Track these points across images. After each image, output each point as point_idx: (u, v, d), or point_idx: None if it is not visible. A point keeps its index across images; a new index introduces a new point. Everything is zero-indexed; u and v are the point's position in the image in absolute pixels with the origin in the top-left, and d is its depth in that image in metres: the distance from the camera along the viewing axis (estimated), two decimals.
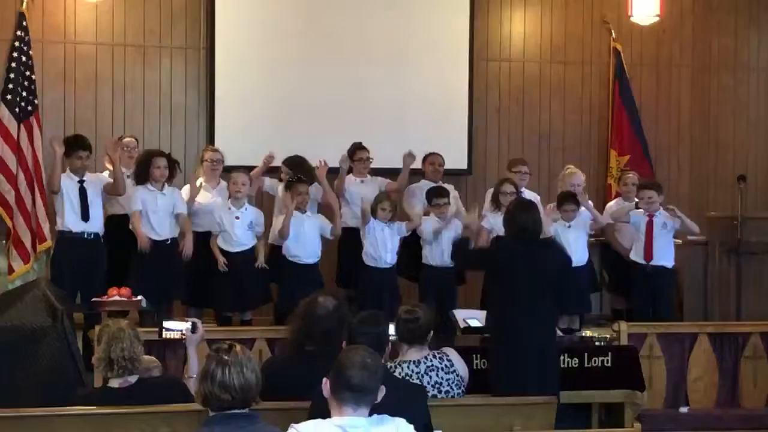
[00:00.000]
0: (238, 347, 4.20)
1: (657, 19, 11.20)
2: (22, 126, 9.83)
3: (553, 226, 8.94)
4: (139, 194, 8.66)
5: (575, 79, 11.69)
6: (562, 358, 7.19)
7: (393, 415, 4.00)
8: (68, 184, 8.66)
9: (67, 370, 6.60)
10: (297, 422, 3.96)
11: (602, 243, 9.95)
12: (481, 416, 5.55)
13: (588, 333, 7.93)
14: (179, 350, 6.87)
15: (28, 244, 9.65)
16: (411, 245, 9.23)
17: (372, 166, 9.62)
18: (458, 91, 11.22)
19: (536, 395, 5.80)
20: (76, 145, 8.76)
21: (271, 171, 9.60)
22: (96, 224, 8.69)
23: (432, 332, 5.72)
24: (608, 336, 7.76)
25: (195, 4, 10.69)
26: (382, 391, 4.02)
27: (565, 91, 11.66)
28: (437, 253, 8.95)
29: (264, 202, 9.69)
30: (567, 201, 9.04)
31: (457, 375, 5.66)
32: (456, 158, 10.44)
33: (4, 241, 9.78)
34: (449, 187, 9.68)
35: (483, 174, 11.13)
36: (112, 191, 8.84)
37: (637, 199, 9.39)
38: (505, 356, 6.57)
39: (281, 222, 8.69)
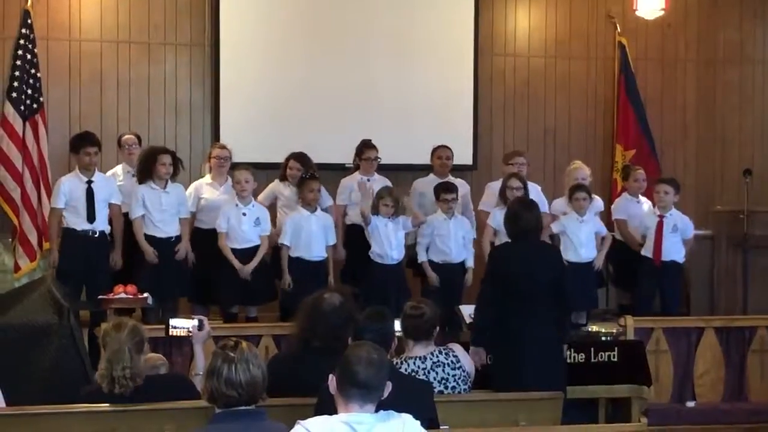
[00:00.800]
0: (244, 344, 4.21)
1: (662, 13, 11.17)
2: (27, 123, 9.86)
3: (565, 221, 8.92)
4: (141, 197, 8.63)
5: (580, 73, 11.67)
6: (568, 353, 7.16)
7: (399, 410, 4.00)
8: (75, 185, 8.64)
9: (73, 367, 6.61)
10: (303, 419, 3.95)
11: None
12: (487, 411, 5.56)
13: (594, 328, 7.93)
14: (185, 347, 6.88)
15: (34, 241, 9.68)
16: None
17: None
18: (463, 86, 11.21)
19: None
20: (84, 140, 8.75)
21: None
22: (101, 223, 8.69)
23: (437, 328, 5.72)
24: (614, 331, 7.76)
25: (199, 1, 10.68)
26: (388, 387, 4.02)
27: (570, 86, 11.65)
28: (443, 249, 8.93)
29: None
30: (578, 189, 9.00)
31: (463, 370, 5.66)
32: (461, 154, 10.41)
33: (10, 239, 9.81)
34: (460, 182, 9.65)
35: (488, 169, 11.11)
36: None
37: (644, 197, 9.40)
38: (507, 358, 6.48)
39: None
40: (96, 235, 8.66)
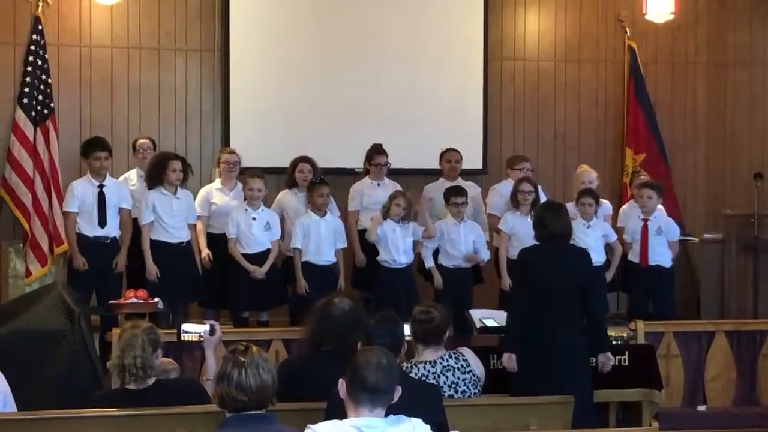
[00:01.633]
0: (254, 348, 4.22)
1: (672, 16, 11.17)
2: (38, 129, 9.89)
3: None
4: (151, 203, 8.64)
5: (590, 77, 11.66)
6: None
7: (409, 415, 4.00)
8: (87, 190, 8.66)
9: (84, 372, 6.63)
10: (313, 423, 3.96)
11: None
12: (497, 416, 5.55)
13: None
14: (196, 351, 6.89)
15: (45, 247, 9.69)
16: None
17: None
18: (472, 90, 11.22)
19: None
20: (94, 145, 8.78)
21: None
22: (113, 229, 8.71)
23: (448, 332, 5.71)
24: (625, 335, 7.74)
25: (209, 7, 10.71)
26: (398, 392, 4.02)
27: (580, 90, 11.64)
28: (453, 254, 8.93)
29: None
30: (585, 195, 9.01)
31: (474, 375, 5.66)
32: (471, 158, 10.42)
33: (21, 245, 9.83)
34: (471, 185, 9.66)
35: (498, 173, 11.07)
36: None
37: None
38: (532, 361, 6.41)
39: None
40: (108, 241, 8.68)
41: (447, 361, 5.61)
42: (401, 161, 9.93)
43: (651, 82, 11.65)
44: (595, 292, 6.71)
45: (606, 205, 9.49)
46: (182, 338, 5.58)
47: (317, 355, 5.14)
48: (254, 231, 8.70)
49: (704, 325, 8.48)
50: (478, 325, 7.64)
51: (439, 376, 5.55)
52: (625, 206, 9.91)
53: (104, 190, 8.68)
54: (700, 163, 11.93)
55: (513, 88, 11.48)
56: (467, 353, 5.74)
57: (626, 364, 7.46)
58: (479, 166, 11.07)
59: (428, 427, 4.02)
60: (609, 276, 9.09)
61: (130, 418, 4.98)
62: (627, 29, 11.60)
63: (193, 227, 8.83)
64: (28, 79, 9.93)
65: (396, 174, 9.73)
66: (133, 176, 9.42)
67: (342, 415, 4.01)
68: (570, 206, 9.25)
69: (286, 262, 8.94)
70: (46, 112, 9.96)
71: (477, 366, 5.73)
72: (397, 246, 8.74)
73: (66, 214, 8.86)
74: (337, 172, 10.00)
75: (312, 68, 10.83)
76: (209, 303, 9.02)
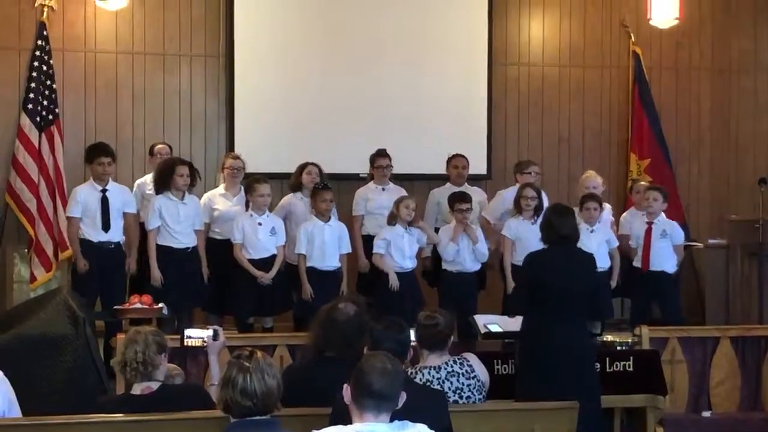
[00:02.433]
0: (259, 354, 4.22)
1: (676, 22, 11.18)
2: (43, 135, 9.94)
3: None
4: (158, 208, 8.64)
5: (595, 82, 11.67)
6: None
7: (414, 420, 3.99)
8: (90, 194, 8.65)
9: (88, 377, 6.63)
10: (318, 428, 3.96)
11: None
12: (502, 421, 5.54)
13: (609, 338, 7.89)
14: (200, 357, 6.89)
15: (50, 252, 9.72)
16: (433, 251, 9.24)
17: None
18: (477, 95, 11.23)
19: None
20: (98, 151, 8.76)
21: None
22: (116, 233, 8.70)
23: (452, 338, 5.71)
24: (630, 340, 7.73)
25: (214, 12, 10.72)
26: (402, 397, 4.02)
27: (585, 95, 11.65)
28: (457, 259, 8.92)
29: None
30: (588, 200, 9.01)
31: (478, 380, 5.65)
32: (476, 163, 10.41)
33: (26, 250, 9.85)
34: (476, 191, 9.67)
35: (503, 178, 11.11)
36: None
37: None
38: (539, 365, 6.43)
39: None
40: (111, 246, 8.67)
41: (451, 366, 5.60)
42: (406, 166, 9.95)
43: (655, 87, 11.66)
44: (600, 294, 6.72)
45: (607, 210, 9.47)
46: (186, 344, 5.57)
47: (322, 360, 5.14)
48: (260, 236, 8.70)
49: (709, 330, 8.47)
50: (483, 330, 7.63)
51: (443, 382, 5.54)
52: (625, 213, 9.89)
53: (107, 194, 8.67)
54: (705, 168, 11.93)
55: (517, 94, 11.49)
56: (472, 359, 5.73)
57: (631, 369, 7.46)
58: (484, 171, 11.07)
59: None
60: (613, 283, 9.08)
61: (134, 424, 4.97)
62: (631, 35, 11.61)
63: (199, 233, 8.82)
64: (33, 85, 9.96)
65: (400, 179, 9.74)
66: (149, 180, 9.38)
67: (347, 420, 4.01)
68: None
69: (290, 267, 8.93)
70: (50, 117, 9.99)
71: (481, 371, 5.72)
72: (403, 252, 8.75)
73: (69, 220, 8.85)
74: (341, 178, 10.00)
75: (316, 74, 10.85)
76: (214, 308, 9.02)
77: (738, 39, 11.94)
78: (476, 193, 9.56)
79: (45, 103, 9.96)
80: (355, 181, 9.94)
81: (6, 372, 5.26)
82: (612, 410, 7.64)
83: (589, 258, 6.86)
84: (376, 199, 9.37)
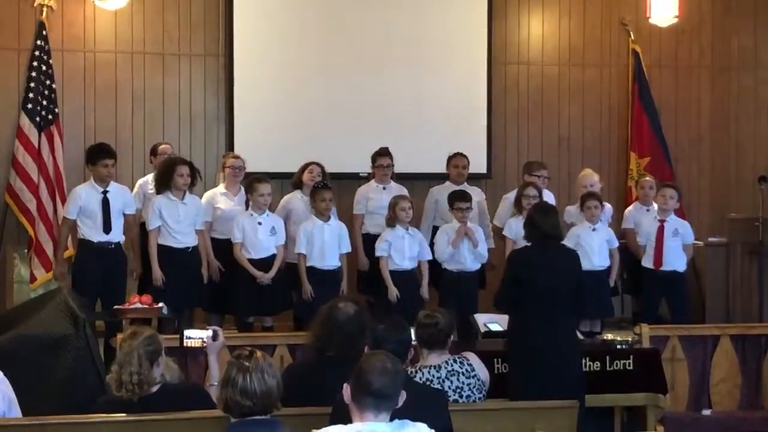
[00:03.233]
0: (259, 353, 4.22)
1: (676, 20, 11.17)
2: (42, 135, 9.93)
3: (577, 231, 8.91)
4: (158, 208, 8.62)
5: (594, 81, 11.67)
6: (584, 361, 7.16)
7: (414, 420, 4.00)
8: (91, 196, 8.61)
9: (88, 377, 6.62)
10: (318, 428, 3.96)
11: (619, 246, 9.90)
12: (502, 420, 5.55)
13: (609, 336, 7.90)
14: (200, 357, 6.88)
15: (50, 252, 9.71)
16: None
17: None
18: (477, 94, 11.22)
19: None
20: (101, 153, 8.71)
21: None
22: (117, 234, 8.69)
23: (452, 337, 5.71)
24: (630, 339, 7.73)
25: (213, 12, 10.72)
26: (402, 396, 4.02)
27: (584, 94, 11.64)
28: (457, 258, 8.92)
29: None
30: (589, 198, 9.01)
31: (478, 379, 5.65)
32: (476, 162, 10.40)
33: (26, 250, 9.84)
34: (475, 190, 9.67)
35: (503, 177, 11.13)
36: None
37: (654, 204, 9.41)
38: (526, 362, 6.55)
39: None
40: (112, 247, 8.66)
41: (452, 365, 5.60)
42: (405, 165, 9.93)
43: (655, 85, 11.65)
44: (583, 292, 6.79)
45: (608, 208, 9.48)
46: (185, 344, 5.57)
47: (322, 360, 5.14)
48: (260, 236, 8.69)
49: (709, 329, 8.48)
50: (483, 329, 7.64)
51: (443, 381, 5.54)
52: (630, 207, 9.91)
53: (108, 195, 8.65)
54: (705, 166, 11.93)
55: (517, 93, 11.49)
56: (472, 358, 5.73)
57: (631, 368, 7.46)
58: (484, 170, 11.07)
59: (433, 431, 4.02)
60: (611, 282, 9.08)
61: (135, 424, 4.98)
62: (631, 33, 11.60)
63: (200, 233, 8.82)
64: (32, 85, 9.96)
65: (401, 178, 9.73)
66: (151, 180, 9.35)
67: (347, 420, 4.01)
68: (574, 210, 9.30)
69: (290, 266, 8.92)
70: (50, 117, 9.99)
71: (481, 370, 5.73)
72: (403, 253, 8.75)
73: (64, 220, 8.81)
74: (342, 177, 9.99)
75: (316, 73, 10.84)
76: (214, 308, 9.01)
77: (738, 37, 11.93)
78: (476, 193, 9.56)
79: (44, 103, 9.96)
80: (355, 180, 9.94)
81: (6, 372, 5.26)
82: (612, 409, 7.66)
83: (572, 254, 6.97)
84: (377, 198, 9.37)
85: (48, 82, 10.02)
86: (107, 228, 8.58)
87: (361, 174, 9.97)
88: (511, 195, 9.46)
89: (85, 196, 8.63)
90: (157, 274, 8.57)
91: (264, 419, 4.13)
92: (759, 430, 7.88)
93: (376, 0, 11.10)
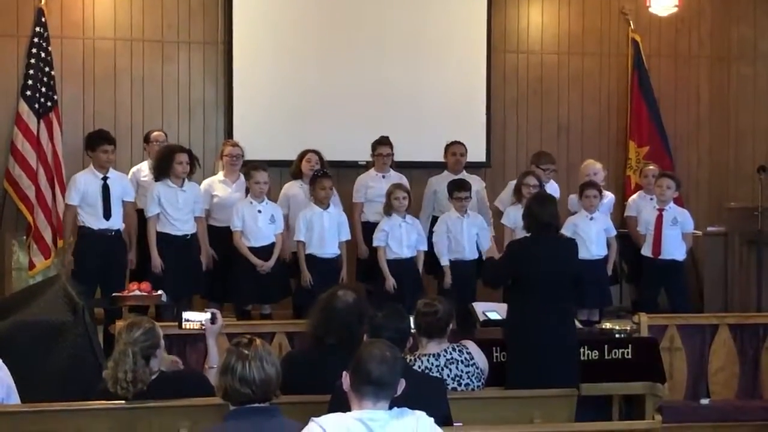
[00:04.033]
0: (258, 341, 4.22)
1: (675, 9, 11.15)
2: (41, 122, 9.91)
3: (575, 220, 8.92)
4: (157, 195, 8.60)
5: (594, 70, 11.66)
6: (582, 350, 7.17)
7: (413, 408, 4.00)
8: (91, 182, 8.59)
9: (88, 364, 6.62)
10: (317, 416, 3.96)
11: (621, 234, 9.90)
12: (501, 408, 5.56)
13: (608, 325, 7.89)
14: (200, 344, 6.88)
15: (48, 239, 9.71)
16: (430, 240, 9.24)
17: None
18: (476, 83, 11.22)
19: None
20: (101, 139, 8.69)
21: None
22: (117, 221, 8.68)
23: (451, 325, 5.72)
24: (628, 328, 7.73)
25: None
26: (401, 385, 4.02)
27: (584, 83, 11.64)
28: (457, 248, 8.92)
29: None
30: (588, 187, 9.01)
31: (477, 368, 5.66)
32: (475, 151, 10.42)
33: (24, 237, 9.84)
34: (475, 179, 9.66)
35: (502, 166, 11.14)
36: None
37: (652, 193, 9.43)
38: (524, 352, 6.55)
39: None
40: (112, 234, 8.65)
41: (450, 354, 5.61)
42: (405, 154, 9.93)
43: (654, 75, 11.65)
44: (580, 281, 6.82)
45: (608, 197, 9.48)
46: (183, 326, 5.57)
47: (321, 348, 5.15)
48: (260, 224, 8.68)
49: (707, 318, 8.48)
50: (482, 318, 7.64)
51: (442, 369, 5.55)
52: (634, 196, 9.92)
53: (108, 182, 8.64)
54: (704, 156, 11.93)
55: (516, 81, 11.48)
56: (471, 346, 5.74)
57: (629, 357, 7.46)
58: (483, 159, 11.07)
59: (432, 419, 4.02)
60: (609, 272, 9.09)
61: (134, 411, 4.99)
62: (630, 22, 11.60)
63: (199, 220, 8.81)
64: (31, 72, 9.94)
65: (400, 167, 9.72)
66: (146, 168, 9.34)
67: (346, 408, 4.01)
68: (574, 199, 9.31)
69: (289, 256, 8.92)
70: (49, 104, 9.98)
71: (480, 359, 5.74)
72: (401, 241, 8.74)
73: (67, 207, 8.79)
74: (340, 165, 10.00)
75: (315, 61, 10.83)
76: (213, 296, 9.01)
77: (737, 26, 11.91)
78: (475, 181, 9.55)
79: (43, 90, 9.95)
80: (353, 169, 9.94)
81: (5, 359, 5.27)
82: (610, 398, 7.66)
83: (571, 244, 7.02)
84: (377, 187, 9.36)
85: (47, 69, 10.01)
86: (107, 214, 8.56)
87: (360, 162, 9.96)
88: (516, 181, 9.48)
89: (85, 182, 8.61)
90: (156, 261, 8.57)
91: (263, 407, 4.13)
92: (757, 419, 7.89)
93: None
